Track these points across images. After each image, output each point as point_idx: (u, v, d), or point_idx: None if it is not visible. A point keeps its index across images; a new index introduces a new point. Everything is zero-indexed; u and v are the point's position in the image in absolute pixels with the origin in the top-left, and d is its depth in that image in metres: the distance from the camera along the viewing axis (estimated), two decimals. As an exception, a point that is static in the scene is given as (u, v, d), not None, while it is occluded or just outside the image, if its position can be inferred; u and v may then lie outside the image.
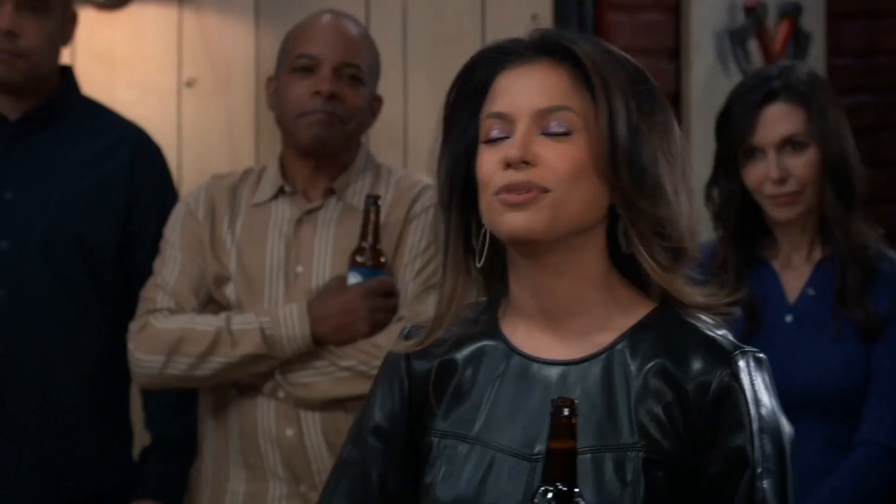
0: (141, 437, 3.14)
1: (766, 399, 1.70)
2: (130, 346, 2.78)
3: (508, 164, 1.70)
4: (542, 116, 1.71)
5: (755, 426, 1.68)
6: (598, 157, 1.69)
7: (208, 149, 3.53)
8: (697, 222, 1.75)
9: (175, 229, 2.83)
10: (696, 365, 1.68)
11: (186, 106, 3.55)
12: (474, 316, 1.77)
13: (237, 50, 3.54)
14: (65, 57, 3.15)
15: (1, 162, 3.02)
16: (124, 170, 3.05)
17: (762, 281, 2.83)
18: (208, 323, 2.76)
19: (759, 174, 2.80)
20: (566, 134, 1.70)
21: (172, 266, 2.81)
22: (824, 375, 2.76)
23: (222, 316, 2.77)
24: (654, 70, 3.64)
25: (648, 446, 1.67)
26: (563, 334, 1.73)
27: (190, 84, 3.54)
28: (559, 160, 1.69)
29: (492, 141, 1.72)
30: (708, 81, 3.70)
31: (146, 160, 3.09)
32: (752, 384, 1.69)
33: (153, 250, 2.88)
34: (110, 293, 3.02)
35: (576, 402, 1.58)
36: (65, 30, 3.06)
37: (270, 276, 2.80)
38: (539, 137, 1.70)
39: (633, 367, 1.69)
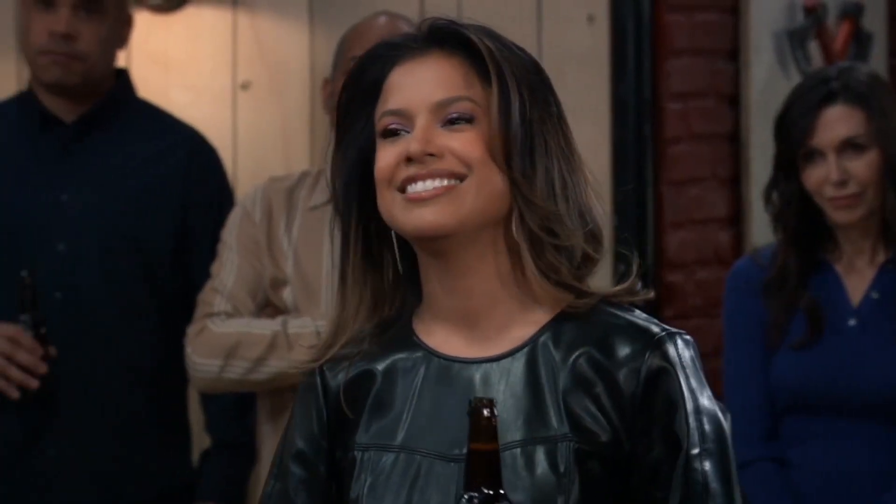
0: (199, 441, 3.14)
1: (699, 381, 1.65)
2: (188, 349, 2.78)
3: (410, 159, 1.64)
4: (440, 109, 1.65)
5: (689, 405, 1.63)
6: (493, 146, 1.64)
7: (263, 151, 3.53)
8: (599, 217, 1.69)
9: (232, 232, 2.83)
10: (624, 351, 1.64)
11: (241, 108, 3.55)
12: (387, 324, 1.71)
13: (292, 52, 3.54)
14: (121, 59, 3.16)
15: (57, 164, 3.03)
16: (180, 172, 3.05)
17: (824, 284, 2.80)
18: (265, 327, 2.76)
19: (819, 176, 2.77)
20: (469, 121, 1.65)
21: (229, 269, 2.80)
22: (889, 380, 2.73)
23: (279, 320, 2.77)
24: (712, 71, 3.65)
25: (581, 438, 1.62)
26: (481, 332, 1.67)
27: (245, 86, 3.54)
28: (466, 147, 1.64)
29: (389, 134, 1.66)
30: (767, 83, 3.66)
31: (202, 162, 3.09)
32: (683, 365, 1.64)
33: (209, 253, 2.88)
34: (167, 296, 3.02)
35: (495, 401, 1.54)
36: (120, 32, 3.07)
37: (327, 279, 2.79)
38: (440, 130, 1.65)
39: (557, 358, 1.65)
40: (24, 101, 3.08)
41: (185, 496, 3.03)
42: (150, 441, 3.01)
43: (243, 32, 3.55)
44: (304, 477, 1.71)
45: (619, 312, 1.67)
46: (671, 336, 1.65)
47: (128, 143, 3.06)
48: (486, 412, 1.53)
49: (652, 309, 3.47)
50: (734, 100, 3.65)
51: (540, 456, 1.62)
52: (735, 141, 3.68)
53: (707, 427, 1.63)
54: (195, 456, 3.13)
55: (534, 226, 1.64)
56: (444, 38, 1.67)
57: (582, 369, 1.64)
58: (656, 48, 3.49)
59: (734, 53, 3.65)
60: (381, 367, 1.70)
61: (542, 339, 1.66)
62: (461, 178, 1.64)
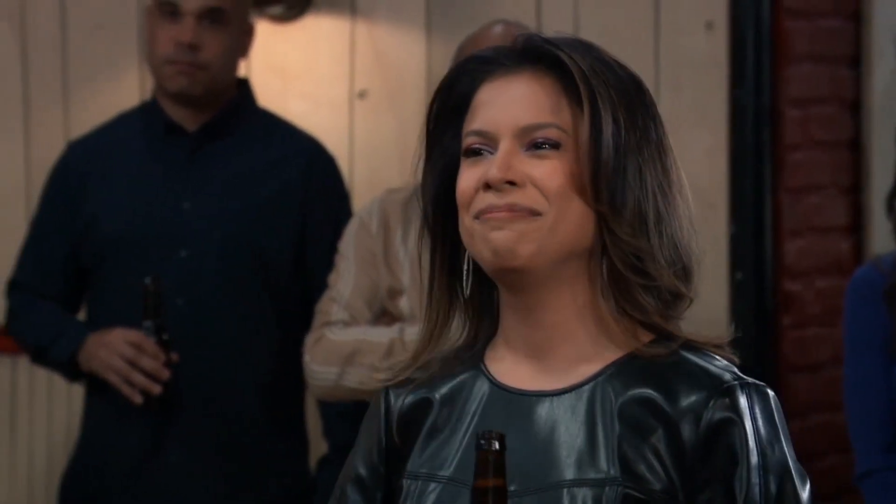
0: (316, 447, 3.16)
1: (772, 435, 1.55)
2: (306, 357, 2.81)
3: (489, 186, 1.57)
4: (525, 134, 1.58)
5: (754, 460, 1.54)
6: (579, 175, 1.56)
7: (379, 160, 3.55)
8: (694, 254, 1.59)
9: (349, 243, 2.86)
10: (689, 398, 1.55)
11: (358, 117, 3.57)
12: (457, 349, 1.65)
13: (409, 61, 3.55)
14: (240, 69, 3.20)
15: (180, 172, 3.08)
16: (299, 180, 3.08)
17: (948, 296, 2.75)
18: (382, 334, 2.78)
19: (943, 184, 2.73)
20: (555, 148, 1.58)
21: (346, 279, 2.83)
22: None
23: (395, 327, 2.79)
24: (832, 77, 3.60)
25: (632, 483, 1.54)
26: (549, 365, 1.61)
27: (362, 95, 3.57)
28: (548, 177, 1.56)
29: (473, 154, 1.60)
30: (889, 88, 3.61)
31: (321, 171, 3.12)
32: (753, 417, 1.55)
33: (328, 262, 2.90)
34: (285, 304, 3.05)
35: (504, 435, 1.46)
36: (242, 42, 3.11)
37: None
38: (524, 155, 1.58)
39: (617, 399, 1.57)
40: (148, 110, 3.13)
41: (303, 502, 3.05)
42: (267, 447, 3.04)
43: (361, 42, 3.58)
44: (359, 502, 1.67)
45: (694, 357, 1.59)
46: (744, 386, 1.56)
47: (249, 152, 3.10)
48: (495, 445, 1.46)
49: (770, 318, 3.45)
50: (855, 106, 3.60)
51: (585, 499, 1.55)
52: (856, 148, 3.63)
53: (774, 487, 1.54)
54: (312, 462, 3.16)
55: (620, 262, 1.57)
56: (537, 56, 1.61)
57: (642, 413, 1.56)
58: (776, 54, 3.46)
59: (856, 60, 3.60)
60: (439, 394, 1.64)
61: (605, 377, 1.59)
62: (536, 213, 1.57)
